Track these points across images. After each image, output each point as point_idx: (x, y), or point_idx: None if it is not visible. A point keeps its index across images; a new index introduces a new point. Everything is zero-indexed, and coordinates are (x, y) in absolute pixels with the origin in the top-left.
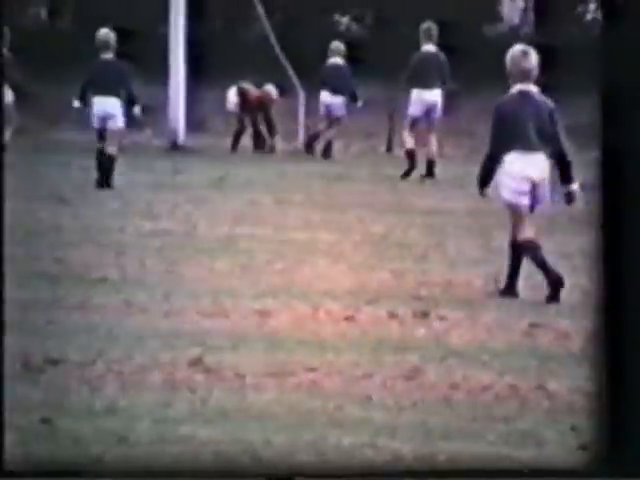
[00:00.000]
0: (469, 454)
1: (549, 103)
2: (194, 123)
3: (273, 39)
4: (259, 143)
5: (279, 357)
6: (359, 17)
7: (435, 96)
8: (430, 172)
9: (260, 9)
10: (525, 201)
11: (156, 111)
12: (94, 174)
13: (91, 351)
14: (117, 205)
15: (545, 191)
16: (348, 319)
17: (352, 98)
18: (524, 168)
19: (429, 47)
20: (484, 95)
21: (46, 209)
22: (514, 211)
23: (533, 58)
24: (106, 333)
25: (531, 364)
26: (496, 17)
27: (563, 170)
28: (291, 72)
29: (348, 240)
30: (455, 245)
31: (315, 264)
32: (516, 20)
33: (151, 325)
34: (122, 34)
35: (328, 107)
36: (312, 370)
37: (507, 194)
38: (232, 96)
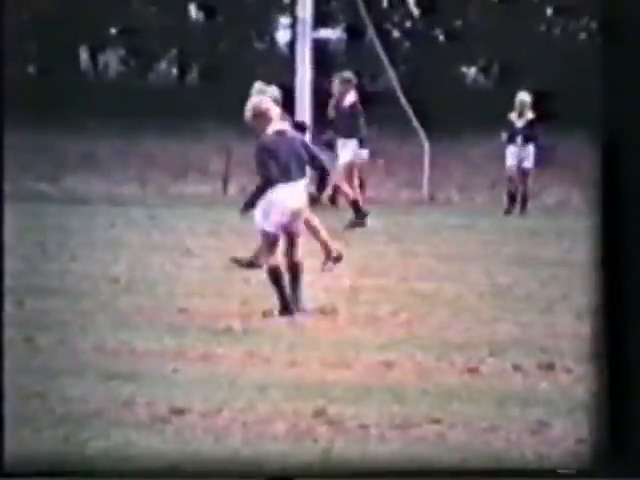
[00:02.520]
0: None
1: (298, 135)
2: None
3: (399, 90)
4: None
5: (403, 408)
6: (485, 68)
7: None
8: None
9: (386, 61)
10: (279, 230)
11: None
12: (219, 225)
13: (215, 401)
14: (241, 256)
15: (300, 221)
16: (472, 371)
17: None
18: (286, 199)
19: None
20: None
21: (171, 260)
22: (267, 238)
23: (268, 101)
24: (230, 383)
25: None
26: None
27: (322, 180)
28: (416, 123)
29: (473, 291)
30: (581, 297)
31: (439, 315)
32: None
33: (274, 375)
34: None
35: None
36: (436, 422)
37: (265, 223)
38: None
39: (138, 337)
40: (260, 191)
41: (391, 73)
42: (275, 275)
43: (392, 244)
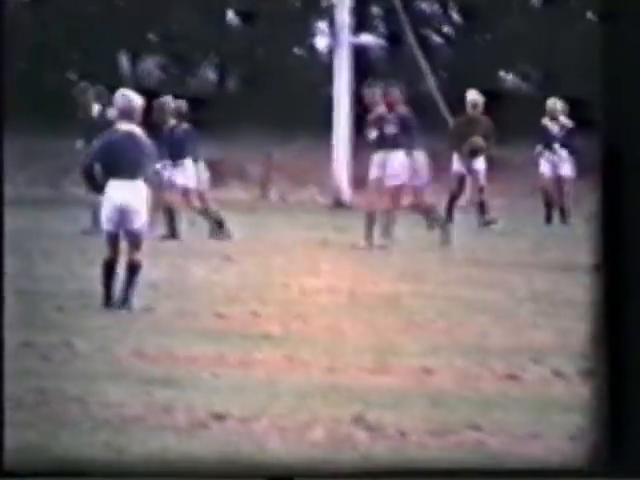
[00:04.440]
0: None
1: (145, 138)
2: (358, 181)
3: (437, 96)
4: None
5: (442, 415)
6: (526, 74)
7: None
8: None
9: (424, 67)
10: (113, 227)
11: (320, 168)
12: (258, 231)
13: (254, 406)
14: (281, 262)
15: (137, 217)
16: (513, 377)
17: None
18: (113, 196)
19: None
20: None
21: (210, 266)
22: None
23: (134, 102)
24: (269, 389)
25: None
26: None
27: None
28: None
29: (513, 298)
30: None
31: (479, 321)
32: None
33: (313, 381)
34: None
35: None
36: (476, 429)
37: (103, 220)
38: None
39: (177, 342)
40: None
41: (430, 79)
42: (106, 269)
43: (432, 251)
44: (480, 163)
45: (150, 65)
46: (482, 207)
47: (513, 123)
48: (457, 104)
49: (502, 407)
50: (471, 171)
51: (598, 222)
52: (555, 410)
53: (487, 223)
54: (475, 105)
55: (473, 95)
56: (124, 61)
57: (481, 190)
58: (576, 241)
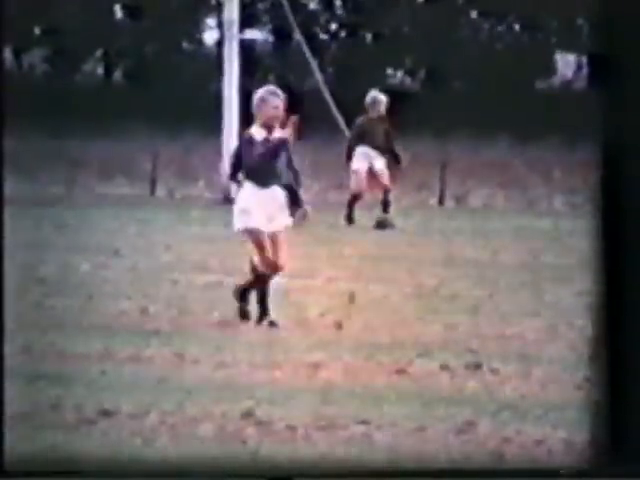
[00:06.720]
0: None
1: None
2: None
3: (326, 92)
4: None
5: (330, 410)
6: (412, 71)
7: None
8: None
9: (313, 63)
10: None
11: (209, 164)
12: (146, 226)
13: (143, 403)
14: (170, 258)
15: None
16: (400, 372)
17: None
18: None
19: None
20: (535, 147)
21: (99, 261)
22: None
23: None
24: (158, 385)
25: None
26: (549, 71)
27: None
28: (343, 125)
29: (399, 292)
30: (507, 298)
31: (366, 316)
32: (569, 75)
33: (203, 377)
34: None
35: None
36: (364, 423)
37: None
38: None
39: (66, 339)
40: None
41: (318, 75)
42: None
43: (320, 245)
44: (380, 164)
45: (35, 58)
46: (385, 207)
47: (400, 119)
48: (347, 100)
49: (390, 401)
50: (373, 171)
51: (598, 220)
52: (441, 404)
53: (380, 226)
54: (374, 105)
55: (374, 95)
56: (8, 55)
57: (385, 190)
58: (461, 236)
